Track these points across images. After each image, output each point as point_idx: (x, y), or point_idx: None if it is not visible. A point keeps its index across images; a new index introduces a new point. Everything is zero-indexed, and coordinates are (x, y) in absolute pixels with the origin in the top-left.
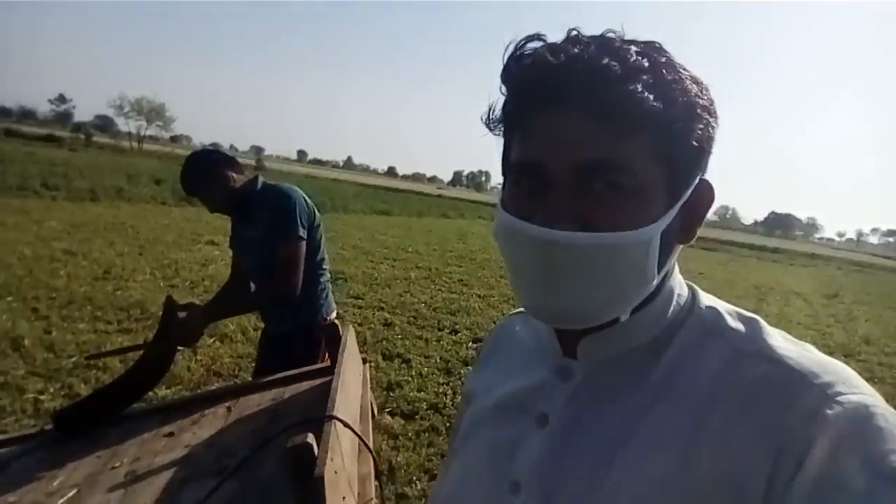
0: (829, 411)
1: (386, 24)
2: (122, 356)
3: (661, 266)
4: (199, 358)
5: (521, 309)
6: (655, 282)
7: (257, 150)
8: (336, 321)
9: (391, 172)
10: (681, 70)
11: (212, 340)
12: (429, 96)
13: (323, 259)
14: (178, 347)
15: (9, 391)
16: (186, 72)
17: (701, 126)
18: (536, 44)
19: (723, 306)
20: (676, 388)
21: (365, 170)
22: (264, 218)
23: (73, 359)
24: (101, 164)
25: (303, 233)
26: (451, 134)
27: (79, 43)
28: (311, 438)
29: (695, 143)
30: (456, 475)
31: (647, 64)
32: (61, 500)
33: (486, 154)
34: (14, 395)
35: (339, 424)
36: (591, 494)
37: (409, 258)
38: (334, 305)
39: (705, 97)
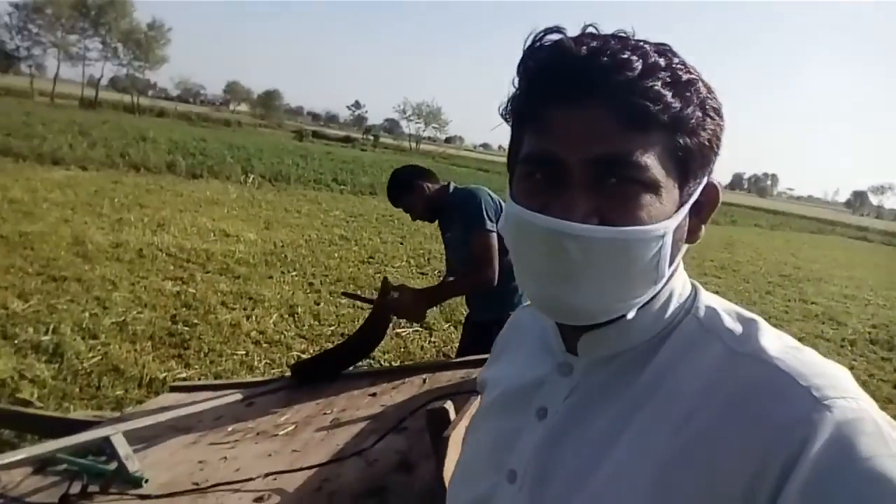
0: (817, 416)
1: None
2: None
3: (670, 264)
4: (433, 340)
5: (529, 303)
6: (665, 280)
7: None
8: None
9: None
10: (693, 71)
11: (447, 325)
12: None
13: None
14: (393, 322)
15: (280, 348)
16: (459, 77)
17: (712, 127)
18: (555, 36)
19: (722, 306)
20: (666, 386)
21: None
22: (457, 218)
23: (333, 327)
24: (383, 163)
25: (491, 225)
26: (731, 131)
27: (373, 53)
28: (448, 404)
29: (706, 143)
30: (462, 461)
31: (664, 62)
32: (282, 432)
33: (773, 154)
34: (283, 352)
35: None
36: (579, 489)
37: None
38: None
39: (715, 100)
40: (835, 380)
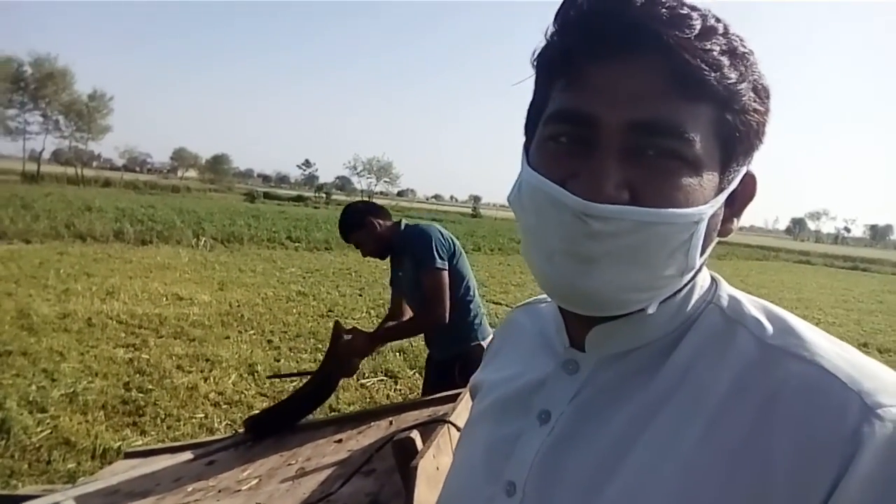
0: (868, 427)
1: None
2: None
3: (700, 255)
4: (398, 388)
5: (528, 301)
6: (693, 272)
7: (475, 199)
8: (483, 344)
9: None
10: (748, 46)
11: (412, 372)
12: None
13: (469, 287)
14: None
15: (240, 408)
16: (410, 130)
17: (762, 110)
18: None
19: (746, 297)
20: (689, 385)
21: None
22: (407, 256)
23: (294, 383)
24: (336, 219)
25: (441, 263)
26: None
27: (322, 112)
28: (415, 434)
29: (754, 126)
30: (451, 477)
31: (721, 28)
32: (245, 487)
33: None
34: (244, 411)
35: (453, 429)
36: (592, 500)
37: None
38: (489, 330)
39: (766, 81)
40: (887, 384)
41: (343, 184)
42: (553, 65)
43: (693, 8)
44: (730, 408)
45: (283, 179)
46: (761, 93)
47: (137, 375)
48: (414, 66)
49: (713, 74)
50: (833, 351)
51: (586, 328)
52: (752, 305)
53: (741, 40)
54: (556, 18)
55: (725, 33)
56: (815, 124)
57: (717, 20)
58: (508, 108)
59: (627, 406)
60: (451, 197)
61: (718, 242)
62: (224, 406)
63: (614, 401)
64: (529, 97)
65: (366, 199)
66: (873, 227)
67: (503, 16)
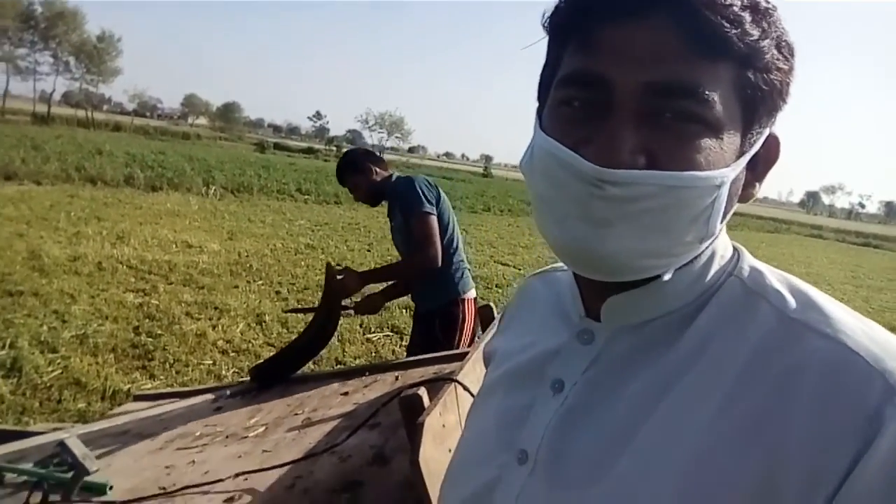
0: (891, 409)
1: None
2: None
3: (721, 221)
4: (404, 343)
5: (545, 268)
6: (712, 240)
7: (486, 159)
8: (490, 304)
9: None
10: (771, 1)
11: None
12: None
13: (453, 240)
14: (342, 310)
15: (248, 356)
16: (422, 87)
17: (786, 68)
18: None
19: (769, 269)
20: (706, 358)
21: None
22: (396, 205)
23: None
24: None
25: (430, 207)
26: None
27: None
28: (422, 391)
29: (777, 84)
30: (463, 444)
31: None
32: (252, 434)
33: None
34: (251, 360)
35: (460, 388)
36: (603, 473)
37: None
38: (472, 284)
39: (790, 37)
40: None
41: (354, 137)
42: (565, 26)
43: None
44: (747, 382)
45: (293, 130)
46: (785, 50)
47: (147, 320)
48: (428, 23)
49: (734, 31)
50: (858, 327)
51: (602, 297)
52: (775, 278)
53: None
54: None
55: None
56: (835, 95)
57: None
58: (523, 68)
59: (641, 379)
60: (463, 155)
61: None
62: (232, 354)
63: (629, 372)
64: (543, 57)
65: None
66: (888, 204)
67: None
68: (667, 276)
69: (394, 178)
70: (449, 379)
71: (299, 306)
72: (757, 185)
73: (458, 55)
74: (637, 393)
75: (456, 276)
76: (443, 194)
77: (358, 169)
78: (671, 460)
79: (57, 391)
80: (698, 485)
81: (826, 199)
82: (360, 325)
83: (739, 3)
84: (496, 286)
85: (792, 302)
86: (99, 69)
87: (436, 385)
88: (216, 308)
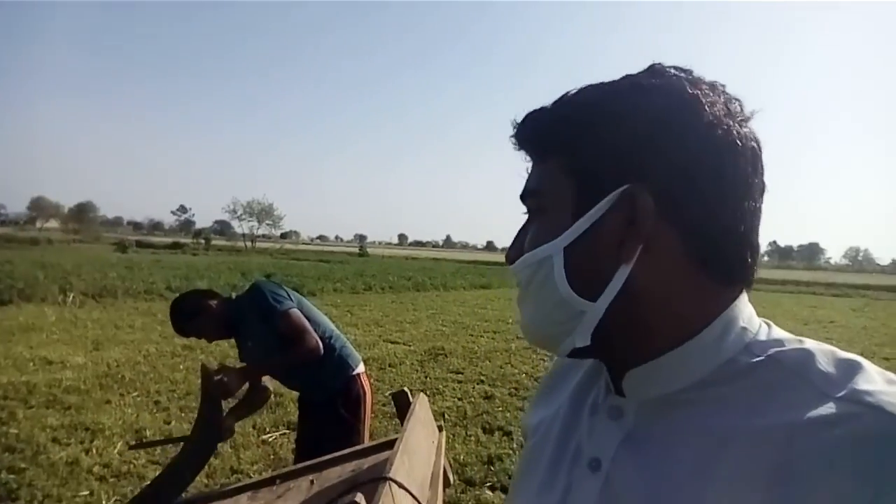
0: None
1: (487, 111)
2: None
3: (589, 285)
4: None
5: None
6: (599, 304)
7: (360, 238)
8: (406, 389)
9: (490, 247)
10: (600, 105)
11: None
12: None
13: (323, 326)
14: (257, 429)
15: (131, 480)
16: (290, 171)
17: (611, 131)
18: None
19: (817, 346)
20: (747, 434)
21: (464, 246)
22: (251, 319)
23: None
24: (219, 265)
25: (288, 304)
26: None
27: (194, 156)
28: (359, 497)
29: (608, 150)
30: None
31: (568, 100)
32: None
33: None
34: (136, 483)
35: (395, 486)
36: None
37: (509, 330)
38: (359, 358)
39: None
40: None
41: (223, 228)
42: None
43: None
44: (789, 458)
45: (156, 226)
46: (607, 116)
47: (7, 454)
48: (294, 108)
49: (552, 138)
50: None
51: (621, 374)
52: (822, 355)
53: (583, 105)
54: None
55: (571, 103)
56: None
57: (582, 91)
58: (390, 145)
59: (682, 455)
60: (336, 237)
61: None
62: (111, 479)
63: (666, 448)
64: (403, 135)
65: (248, 242)
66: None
67: (383, 58)
68: (579, 343)
69: (234, 297)
70: (382, 478)
71: (147, 440)
72: (635, 243)
73: (325, 138)
74: (677, 473)
75: (342, 355)
76: (293, 292)
77: (197, 310)
78: None
79: None
80: None
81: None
82: (254, 427)
83: (554, 115)
84: (389, 366)
85: (836, 380)
86: None
87: (368, 486)
88: (87, 429)
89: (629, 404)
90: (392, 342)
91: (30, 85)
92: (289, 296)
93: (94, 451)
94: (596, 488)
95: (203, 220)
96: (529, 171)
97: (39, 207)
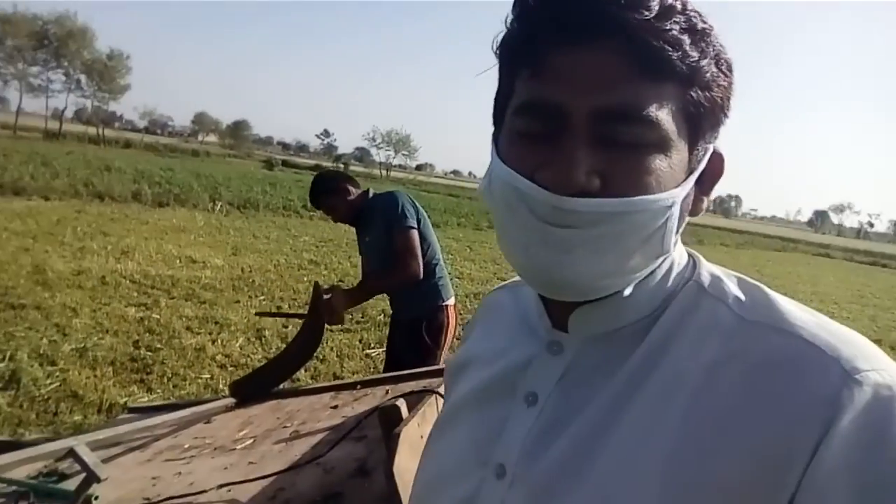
0: (847, 392)
1: None
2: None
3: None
4: None
5: (509, 282)
6: (669, 253)
7: None
8: None
9: None
10: (707, 21)
11: None
12: None
13: (434, 251)
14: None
15: (246, 371)
16: (429, 105)
17: (725, 84)
18: None
19: (725, 272)
20: (667, 361)
21: None
22: (377, 219)
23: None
24: None
25: (412, 222)
26: None
27: (343, 82)
28: (400, 402)
29: (719, 101)
30: (436, 459)
31: (679, 6)
32: (240, 446)
33: (737, 176)
34: None
35: (440, 400)
36: (581, 481)
37: None
38: (452, 292)
39: (727, 54)
40: (864, 349)
41: (362, 155)
42: (516, 54)
43: None
44: (707, 384)
45: (302, 148)
46: (724, 67)
47: (147, 334)
48: (438, 37)
49: (675, 54)
50: (812, 321)
51: (567, 310)
52: (732, 281)
53: (700, 16)
54: (514, 5)
55: (684, 10)
56: (847, 115)
57: None
58: None
59: (610, 386)
60: (470, 173)
61: (737, 232)
62: (230, 368)
63: (598, 381)
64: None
65: (384, 171)
66: None
67: None
68: (627, 292)
69: (370, 194)
70: (430, 391)
71: (273, 313)
72: (705, 199)
73: (464, 75)
74: (607, 400)
75: (439, 285)
76: (421, 210)
77: (333, 190)
78: (646, 463)
79: (54, 403)
80: (675, 485)
81: (835, 219)
82: (360, 341)
83: (678, 26)
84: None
85: (749, 303)
86: (109, 87)
87: (417, 397)
88: (216, 323)
89: (571, 340)
90: (504, 280)
91: (192, 18)
92: (417, 214)
93: (220, 342)
94: (530, 421)
95: (345, 146)
96: (620, 78)
97: (201, 122)
